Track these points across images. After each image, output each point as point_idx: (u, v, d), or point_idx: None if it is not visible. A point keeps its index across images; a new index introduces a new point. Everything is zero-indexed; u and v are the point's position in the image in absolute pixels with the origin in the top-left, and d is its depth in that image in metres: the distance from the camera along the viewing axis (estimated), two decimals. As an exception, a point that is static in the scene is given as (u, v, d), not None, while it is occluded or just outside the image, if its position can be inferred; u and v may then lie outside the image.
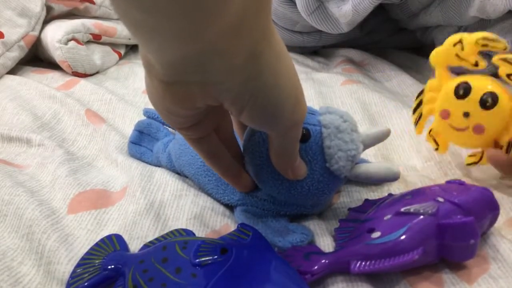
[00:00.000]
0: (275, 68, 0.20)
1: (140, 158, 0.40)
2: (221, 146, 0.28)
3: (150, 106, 0.57)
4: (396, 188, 0.33)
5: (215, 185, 0.33)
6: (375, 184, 0.34)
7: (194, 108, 0.22)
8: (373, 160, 0.38)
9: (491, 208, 0.25)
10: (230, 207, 0.33)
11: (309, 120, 0.28)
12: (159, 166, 0.39)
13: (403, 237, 0.23)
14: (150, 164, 0.39)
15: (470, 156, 0.33)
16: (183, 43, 0.17)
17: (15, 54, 0.63)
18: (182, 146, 0.35)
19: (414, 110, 0.36)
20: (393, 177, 0.28)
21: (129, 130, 0.47)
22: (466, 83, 0.30)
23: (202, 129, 0.25)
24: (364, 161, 0.35)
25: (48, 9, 0.69)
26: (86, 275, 0.26)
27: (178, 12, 0.15)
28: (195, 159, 0.34)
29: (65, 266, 0.27)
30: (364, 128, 0.31)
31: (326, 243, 0.28)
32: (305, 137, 0.27)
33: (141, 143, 0.41)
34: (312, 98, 0.51)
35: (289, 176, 0.27)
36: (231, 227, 0.31)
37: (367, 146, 0.29)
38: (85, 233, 0.31)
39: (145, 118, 0.43)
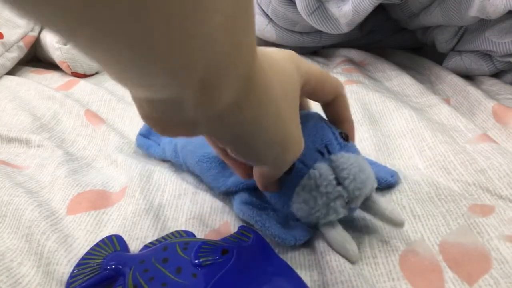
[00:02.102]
0: (256, 118, 0.19)
1: (146, 150, 0.41)
2: None
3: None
4: (397, 188, 0.33)
5: (217, 172, 0.33)
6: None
7: (183, 135, 0.21)
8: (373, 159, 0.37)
9: None
10: (229, 203, 0.33)
11: (306, 159, 0.26)
12: (163, 159, 0.39)
13: None
14: (155, 156, 0.40)
15: None
16: (144, 91, 0.16)
17: (14, 55, 0.63)
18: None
19: None
20: (398, 226, 0.27)
21: (128, 130, 0.47)
22: None
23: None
24: (370, 161, 0.35)
25: (48, 9, 0.69)
26: (86, 274, 0.26)
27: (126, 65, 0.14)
28: (200, 147, 0.34)
29: (65, 267, 0.27)
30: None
31: (326, 243, 0.27)
32: (290, 170, 0.25)
33: (149, 137, 0.42)
34: (312, 98, 0.51)
35: (261, 188, 0.27)
36: (231, 225, 0.31)
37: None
38: (84, 234, 0.30)
39: None
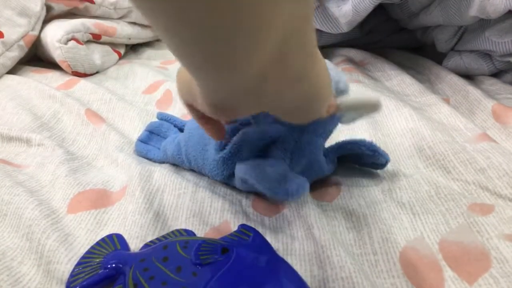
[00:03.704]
0: (316, 84, 0.21)
1: (145, 154, 0.41)
2: None
3: (151, 106, 0.57)
4: (397, 187, 0.33)
5: (220, 162, 0.33)
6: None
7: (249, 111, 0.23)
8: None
9: None
10: (229, 201, 0.33)
11: None
12: (163, 162, 0.39)
13: None
14: (154, 160, 0.40)
15: None
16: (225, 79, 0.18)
17: (15, 54, 0.63)
18: (192, 130, 0.36)
19: None
20: (377, 106, 0.26)
21: (129, 129, 0.47)
22: None
23: None
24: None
25: (48, 8, 0.69)
26: (86, 273, 0.26)
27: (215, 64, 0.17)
28: (202, 139, 0.35)
29: (65, 266, 0.27)
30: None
31: (326, 238, 0.28)
32: None
33: (149, 142, 0.42)
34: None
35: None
36: (230, 223, 0.31)
37: (345, 109, 0.27)
38: (84, 233, 0.30)
39: (157, 120, 0.44)
